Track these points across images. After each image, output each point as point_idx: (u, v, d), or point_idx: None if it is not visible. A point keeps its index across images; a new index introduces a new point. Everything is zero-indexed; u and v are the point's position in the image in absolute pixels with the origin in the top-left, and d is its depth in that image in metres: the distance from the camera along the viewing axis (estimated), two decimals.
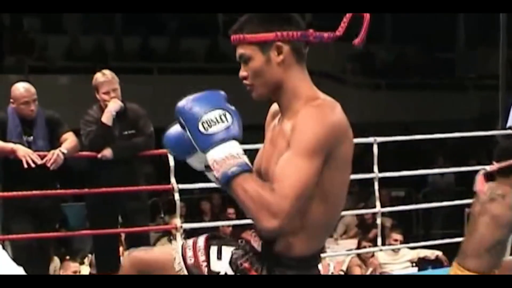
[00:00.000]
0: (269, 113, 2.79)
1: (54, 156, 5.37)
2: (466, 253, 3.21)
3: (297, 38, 2.55)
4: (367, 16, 2.81)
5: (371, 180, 6.34)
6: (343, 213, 9.54)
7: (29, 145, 5.49)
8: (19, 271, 2.66)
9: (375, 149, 6.20)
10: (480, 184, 3.46)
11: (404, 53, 18.37)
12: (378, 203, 6.43)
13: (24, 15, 14.33)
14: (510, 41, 7.94)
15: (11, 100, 5.55)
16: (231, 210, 9.63)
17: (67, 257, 7.77)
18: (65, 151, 5.46)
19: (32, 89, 5.58)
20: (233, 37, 2.64)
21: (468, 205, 8.12)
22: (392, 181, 9.21)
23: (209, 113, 2.37)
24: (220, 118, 2.39)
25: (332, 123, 2.50)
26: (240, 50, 2.62)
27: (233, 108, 2.44)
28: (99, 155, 5.69)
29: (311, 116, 2.45)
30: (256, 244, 2.66)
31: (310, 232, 2.57)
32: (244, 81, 2.59)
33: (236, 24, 2.63)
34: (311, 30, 2.61)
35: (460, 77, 18.41)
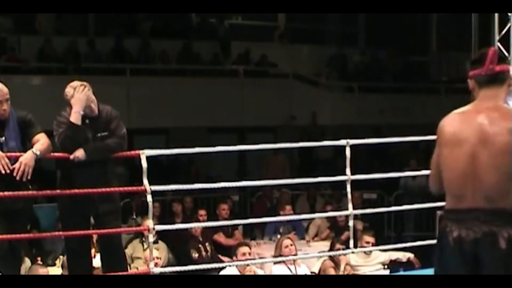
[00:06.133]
0: None
1: (22, 167, 5.32)
2: None
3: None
4: (491, 49, 3.39)
5: (343, 183, 6.35)
6: (315, 215, 9.60)
7: (0, 146, 5.44)
8: None
9: (348, 151, 6.22)
10: None
11: (377, 56, 18.45)
12: (350, 206, 6.45)
13: None
14: (482, 44, 7.99)
15: None
16: (202, 212, 9.63)
17: (38, 259, 7.73)
18: (38, 153, 5.42)
19: (5, 89, 5.53)
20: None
21: (440, 208, 8.17)
22: (364, 183, 9.24)
23: None
24: None
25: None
26: None
27: None
28: (71, 156, 5.67)
29: None
30: None
31: None
32: None
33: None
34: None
35: (432, 80, 18.51)
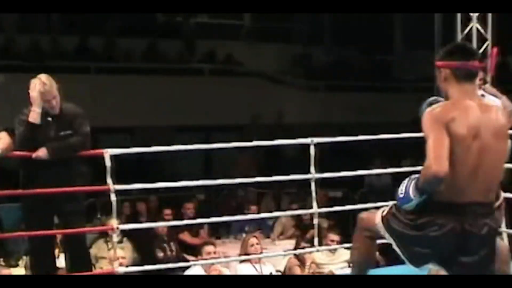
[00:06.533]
0: None
1: None
2: None
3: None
4: (494, 49, 3.53)
5: (308, 181, 6.35)
6: (280, 213, 9.61)
7: None
8: None
9: (312, 150, 6.22)
10: None
11: (343, 55, 18.51)
12: (315, 204, 6.45)
13: None
14: (445, 43, 8.03)
15: None
16: (167, 211, 9.59)
17: (1, 260, 7.65)
18: None
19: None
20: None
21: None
22: (329, 181, 9.24)
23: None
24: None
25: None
26: None
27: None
28: (33, 155, 5.60)
29: None
30: None
31: None
32: None
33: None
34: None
35: (397, 79, 18.60)
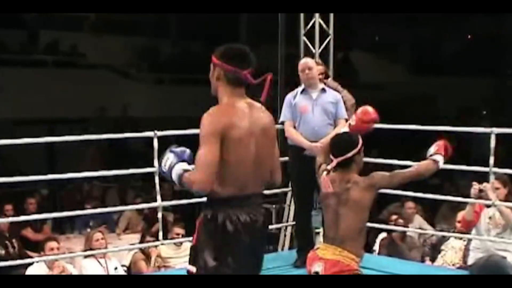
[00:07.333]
0: None
1: None
2: (342, 238, 4.21)
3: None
4: (269, 76, 3.69)
5: (152, 174, 6.34)
6: (124, 208, 9.53)
7: None
8: None
9: (155, 143, 6.22)
10: (327, 185, 4.26)
11: (188, 48, 18.55)
12: (159, 197, 6.45)
13: None
14: (288, 38, 8.20)
15: None
16: (8, 207, 9.34)
17: None
18: None
19: None
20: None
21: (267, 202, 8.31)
22: None
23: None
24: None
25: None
26: None
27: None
28: None
29: None
30: None
31: None
32: None
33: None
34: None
35: None
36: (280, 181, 3.84)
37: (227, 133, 3.52)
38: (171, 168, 3.63)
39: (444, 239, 7.76)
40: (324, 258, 4.25)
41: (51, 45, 16.15)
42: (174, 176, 3.60)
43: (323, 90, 6.46)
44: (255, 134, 3.59)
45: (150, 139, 6.36)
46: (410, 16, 17.93)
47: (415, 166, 4.55)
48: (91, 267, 7.18)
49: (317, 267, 4.26)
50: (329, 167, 4.36)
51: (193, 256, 3.64)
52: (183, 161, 3.63)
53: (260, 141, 3.61)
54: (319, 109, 6.35)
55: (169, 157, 3.68)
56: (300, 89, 6.46)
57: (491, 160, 6.13)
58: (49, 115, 15.07)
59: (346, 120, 5.85)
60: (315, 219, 6.71)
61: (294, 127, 6.39)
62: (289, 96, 6.49)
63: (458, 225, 7.42)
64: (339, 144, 4.44)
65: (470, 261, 6.20)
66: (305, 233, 6.56)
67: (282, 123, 6.45)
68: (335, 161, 4.36)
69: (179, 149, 3.73)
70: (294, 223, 7.11)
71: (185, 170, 3.58)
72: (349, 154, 4.35)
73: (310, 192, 6.42)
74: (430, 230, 8.61)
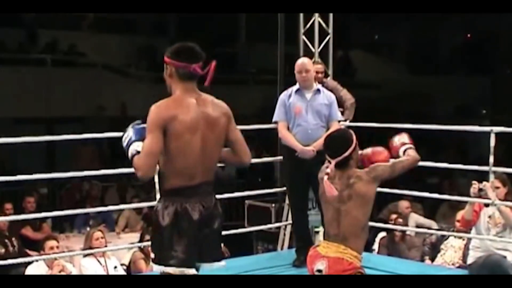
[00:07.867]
0: None
1: None
2: (345, 235, 4.22)
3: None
4: (213, 63, 3.84)
5: None
6: (123, 206, 9.52)
7: None
8: None
9: None
10: (331, 189, 4.26)
11: None
12: (158, 196, 6.43)
13: None
14: (288, 37, 8.19)
15: None
16: (8, 206, 9.33)
17: None
18: None
19: None
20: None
21: (249, 197, 8.31)
22: None
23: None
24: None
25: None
26: None
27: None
28: None
29: None
30: None
31: None
32: None
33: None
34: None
35: (240, 71, 18.78)
36: (249, 162, 4.04)
37: (169, 126, 3.68)
38: (128, 145, 3.79)
39: (443, 238, 7.77)
40: (327, 255, 4.24)
41: (50, 44, 16.12)
42: (129, 155, 3.76)
43: (318, 91, 6.39)
44: (201, 126, 3.73)
45: None
46: (409, 15, 17.93)
47: (405, 157, 4.61)
48: (90, 266, 7.18)
49: (320, 265, 4.25)
50: (328, 170, 4.34)
51: (153, 250, 3.76)
52: (142, 139, 3.74)
53: (207, 133, 3.74)
54: (312, 112, 6.30)
55: (129, 133, 3.85)
56: (294, 88, 6.39)
57: (491, 159, 6.13)
58: (48, 114, 15.06)
59: (339, 122, 5.86)
60: (314, 219, 6.71)
61: (288, 128, 6.35)
62: (283, 96, 6.43)
63: (457, 224, 7.42)
64: (335, 145, 4.43)
65: (470, 260, 6.20)
66: (302, 232, 6.54)
67: (276, 122, 6.41)
68: (333, 163, 4.34)
69: (140, 126, 3.87)
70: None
71: (138, 152, 3.71)
72: (346, 153, 4.35)
73: (304, 191, 6.40)
74: (427, 225, 8.62)
